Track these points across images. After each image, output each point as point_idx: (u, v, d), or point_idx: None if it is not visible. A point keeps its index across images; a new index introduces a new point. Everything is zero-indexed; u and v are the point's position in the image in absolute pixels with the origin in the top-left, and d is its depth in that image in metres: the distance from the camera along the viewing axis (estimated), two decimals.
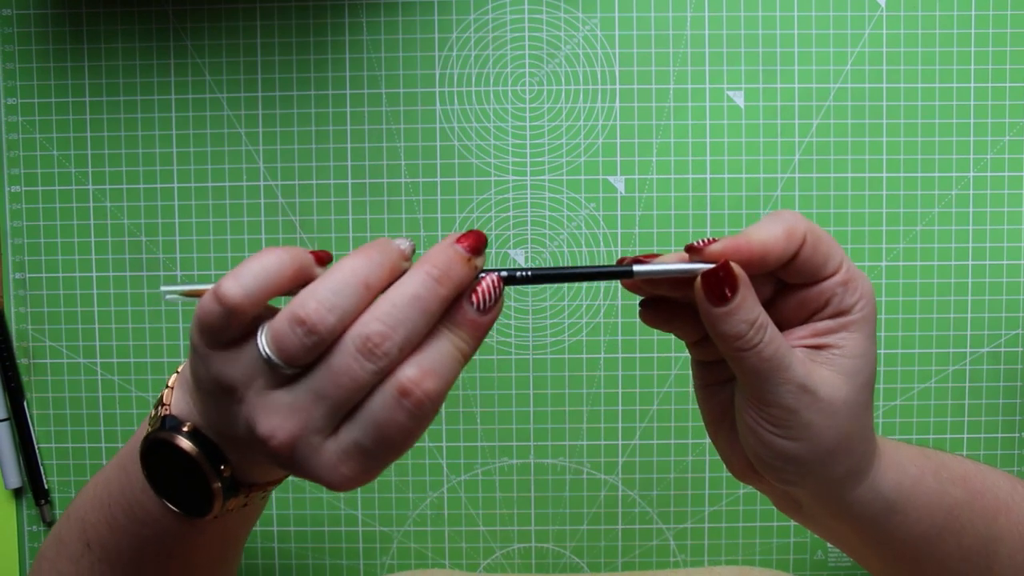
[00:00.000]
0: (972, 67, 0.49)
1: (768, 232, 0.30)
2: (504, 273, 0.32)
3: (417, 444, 0.51)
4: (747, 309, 0.30)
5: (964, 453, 0.50)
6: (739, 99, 0.49)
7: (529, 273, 0.33)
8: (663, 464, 0.51)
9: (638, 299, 0.43)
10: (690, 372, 0.40)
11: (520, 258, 0.50)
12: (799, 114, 0.49)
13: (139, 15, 0.50)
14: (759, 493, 0.51)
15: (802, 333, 0.32)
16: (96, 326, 0.51)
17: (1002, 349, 0.50)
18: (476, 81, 0.50)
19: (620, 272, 0.32)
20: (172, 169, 0.50)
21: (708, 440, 0.51)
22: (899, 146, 0.49)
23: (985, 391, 0.50)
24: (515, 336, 0.51)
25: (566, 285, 0.50)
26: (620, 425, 0.51)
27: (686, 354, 0.51)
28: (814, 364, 0.31)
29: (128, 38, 0.50)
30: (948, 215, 0.50)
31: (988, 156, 0.49)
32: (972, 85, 0.49)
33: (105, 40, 0.50)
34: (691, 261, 0.31)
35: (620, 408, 0.51)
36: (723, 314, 0.30)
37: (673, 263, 0.31)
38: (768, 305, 0.32)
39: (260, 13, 0.50)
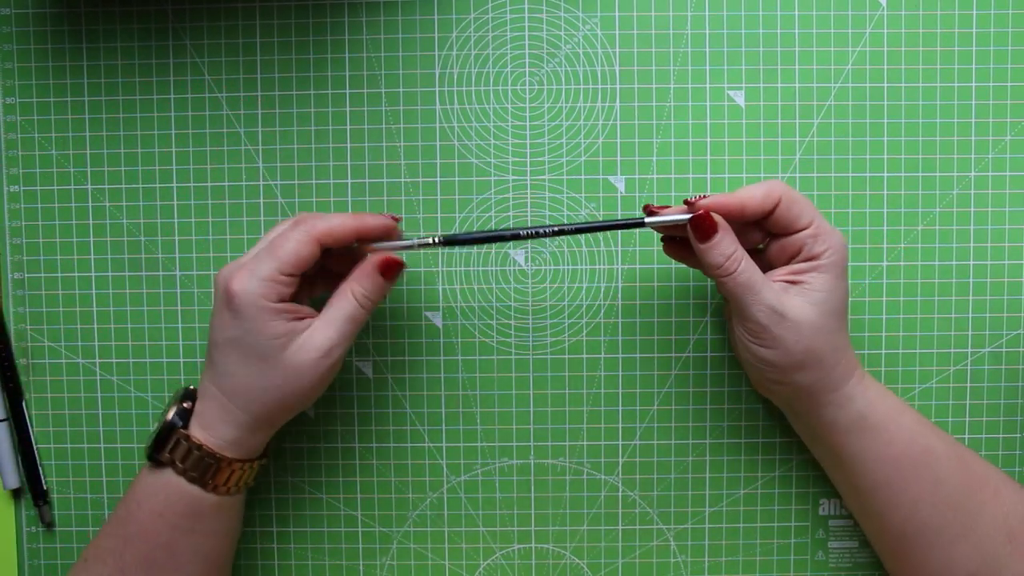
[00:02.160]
0: (974, 66, 0.49)
1: (750, 192, 0.42)
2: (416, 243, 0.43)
3: (417, 444, 0.51)
4: (724, 246, 0.41)
5: None
6: (739, 99, 0.49)
7: (439, 239, 0.43)
8: (663, 464, 0.51)
9: (638, 300, 0.51)
10: (690, 370, 0.51)
11: (520, 258, 0.50)
12: (800, 114, 0.49)
13: (138, 15, 0.50)
14: (760, 495, 0.51)
15: (782, 271, 0.42)
16: (95, 326, 0.51)
17: (1003, 349, 0.50)
18: (476, 81, 0.50)
19: (634, 223, 0.43)
20: (171, 169, 0.50)
21: (709, 440, 0.51)
22: (900, 146, 0.49)
23: (986, 391, 0.50)
24: (515, 336, 0.51)
25: (566, 285, 0.50)
26: (620, 425, 0.51)
27: (686, 354, 0.51)
28: (787, 294, 0.41)
29: (127, 38, 0.50)
30: (949, 215, 0.49)
31: (989, 156, 0.49)
32: (973, 84, 0.49)
33: (104, 40, 0.50)
34: (689, 212, 0.42)
35: (620, 408, 0.51)
36: (706, 249, 0.41)
37: (675, 214, 0.42)
38: (759, 251, 0.44)
39: (260, 13, 0.50)
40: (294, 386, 0.41)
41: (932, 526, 0.42)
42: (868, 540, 0.48)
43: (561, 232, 0.43)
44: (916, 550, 0.43)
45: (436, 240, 0.43)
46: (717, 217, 0.41)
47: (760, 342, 0.42)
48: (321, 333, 0.41)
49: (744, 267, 0.41)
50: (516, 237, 0.43)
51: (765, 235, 0.44)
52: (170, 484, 0.42)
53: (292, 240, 0.41)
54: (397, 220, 0.44)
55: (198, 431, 0.42)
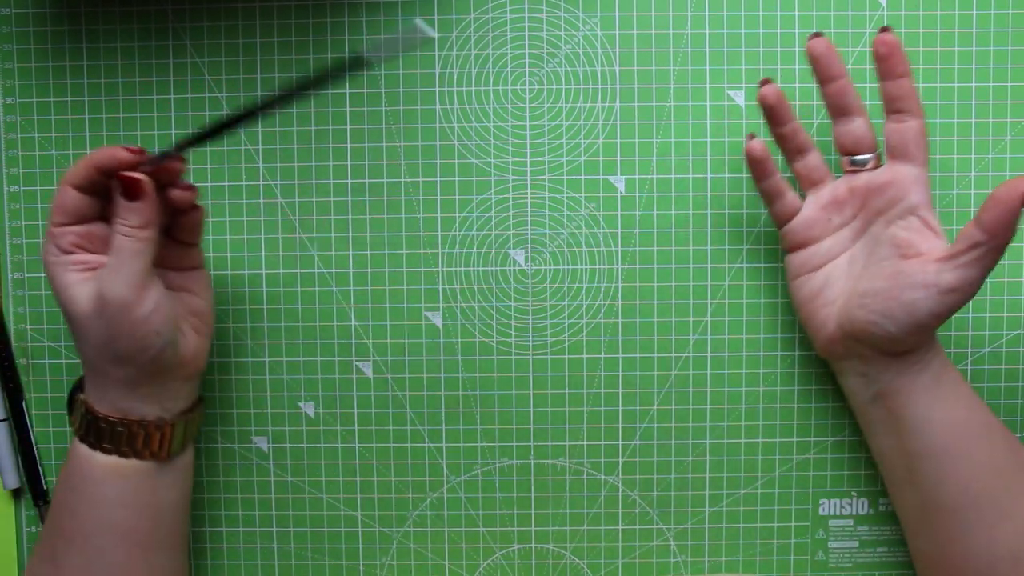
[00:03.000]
0: (973, 66, 0.49)
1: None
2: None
3: (417, 444, 0.51)
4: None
5: None
6: (739, 99, 0.49)
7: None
8: (663, 464, 0.51)
9: (638, 300, 0.50)
10: (690, 370, 0.50)
11: (520, 258, 0.50)
12: (800, 114, 0.49)
13: (138, 14, 0.50)
14: (760, 495, 0.51)
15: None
16: None
17: (1003, 349, 0.50)
18: (476, 81, 0.50)
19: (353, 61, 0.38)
20: None
21: (709, 440, 0.51)
22: None
23: (986, 391, 0.50)
24: (515, 336, 0.51)
25: (566, 285, 0.50)
26: (620, 425, 0.51)
27: (686, 354, 0.51)
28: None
29: (127, 38, 0.50)
30: (949, 215, 0.49)
31: (990, 156, 0.49)
32: (973, 84, 0.49)
33: (104, 40, 0.50)
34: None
35: (620, 408, 0.51)
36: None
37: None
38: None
39: (260, 13, 0.50)
40: (96, 337, 0.40)
41: (984, 500, 0.41)
42: (904, 517, 0.46)
43: (281, 99, 0.39)
44: (962, 524, 0.42)
45: (171, 151, 0.40)
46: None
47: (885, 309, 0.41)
48: (96, 277, 0.40)
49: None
50: (239, 119, 0.39)
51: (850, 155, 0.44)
52: (74, 448, 0.42)
53: (56, 192, 0.41)
54: (139, 151, 0.40)
55: (85, 389, 0.43)
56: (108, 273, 0.40)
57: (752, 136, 0.45)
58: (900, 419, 0.43)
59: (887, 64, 0.42)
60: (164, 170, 0.41)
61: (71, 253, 0.41)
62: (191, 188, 0.42)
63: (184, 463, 0.45)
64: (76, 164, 0.41)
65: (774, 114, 0.45)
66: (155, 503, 0.43)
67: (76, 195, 0.41)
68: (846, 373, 0.46)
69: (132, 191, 0.40)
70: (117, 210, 0.40)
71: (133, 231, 0.40)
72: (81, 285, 0.40)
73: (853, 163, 0.44)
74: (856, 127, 0.43)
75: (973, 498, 0.41)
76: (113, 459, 0.42)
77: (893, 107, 0.42)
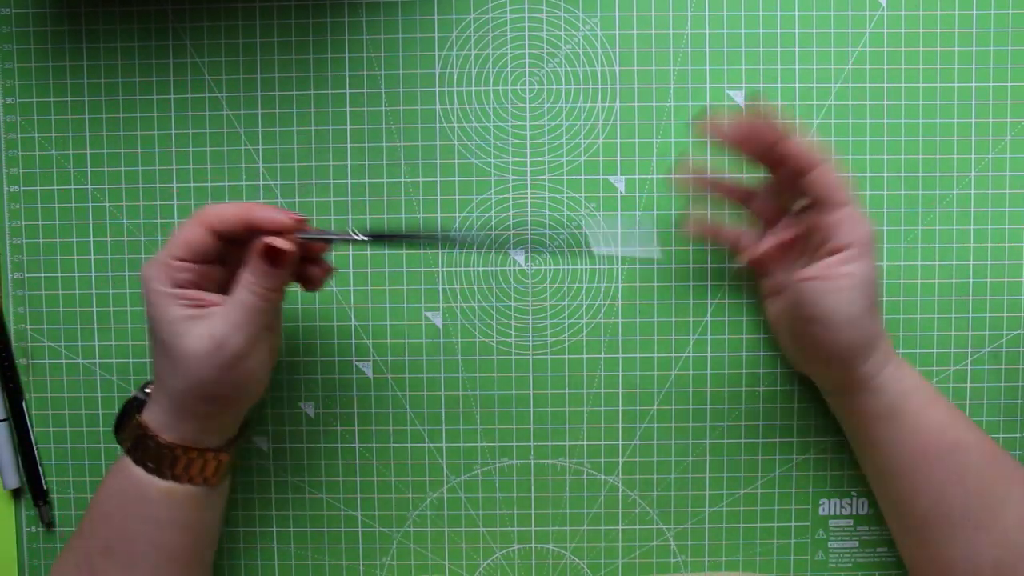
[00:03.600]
0: (974, 66, 0.49)
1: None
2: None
3: (417, 444, 0.51)
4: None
5: None
6: (739, 99, 0.49)
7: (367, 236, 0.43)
8: (663, 464, 0.51)
9: (638, 300, 0.51)
10: (690, 370, 0.51)
11: (520, 258, 0.50)
12: (800, 114, 0.49)
13: (138, 14, 0.50)
14: (760, 495, 0.51)
15: (811, 269, 0.42)
16: (95, 326, 0.51)
17: (1003, 349, 0.50)
18: (476, 81, 0.50)
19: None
20: (171, 169, 0.50)
21: (709, 440, 0.51)
22: (900, 145, 0.49)
23: (986, 391, 0.50)
24: (515, 336, 0.51)
25: (566, 285, 0.50)
26: (620, 425, 0.51)
27: (686, 354, 0.51)
28: (819, 294, 0.42)
29: (127, 38, 0.50)
30: (949, 215, 0.49)
31: (990, 156, 0.49)
32: (974, 84, 0.49)
33: (104, 40, 0.50)
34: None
35: (620, 408, 0.51)
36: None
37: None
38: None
39: (260, 12, 0.50)
40: (196, 375, 0.40)
41: (955, 514, 0.42)
42: (889, 527, 0.47)
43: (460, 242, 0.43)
44: (939, 537, 0.43)
45: (361, 237, 0.42)
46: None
47: (798, 340, 0.44)
48: (213, 322, 0.40)
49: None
50: (437, 240, 0.43)
51: (796, 197, 0.45)
52: (126, 467, 0.42)
53: (184, 227, 0.40)
54: (300, 220, 0.41)
55: (145, 413, 0.42)
56: (229, 325, 0.40)
57: (690, 218, 0.47)
58: (866, 441, 0.45)
59: (762, 137, 0.43)
60: (311, 247, 0.42)
61: (181, 287, 0.40)
62: (329, 270, 0.44)
63: (225, 485, 0.46)
64: (222, 210, 0.40)
65: (712, 185, 0.47)
66: (201, 523, 0.44)
67: (208, 238, 0.40)
68: (822, 392, 0.49)
69: (276, 259, 0.40)
70: (251, 269, 0.40)
71: (263, 292, 0.40)
72: (191, 323, 0.40)
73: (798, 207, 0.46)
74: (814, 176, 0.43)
75: (945, 513, 0.42)
76: (168, 483, 0.41)
77: (797, 166, 0.43)
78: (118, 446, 0.43)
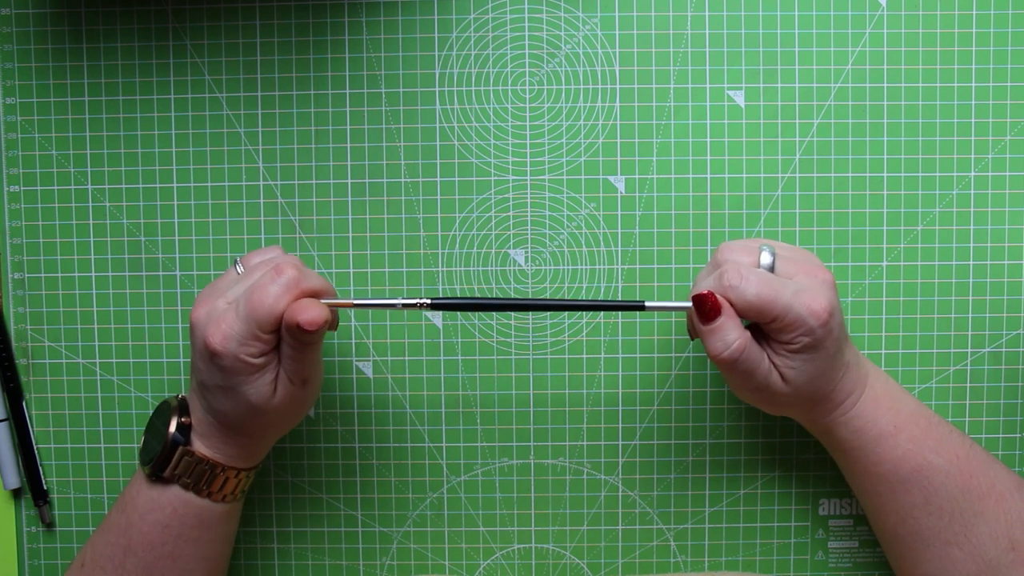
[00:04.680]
0: (973, 66, 0.49)
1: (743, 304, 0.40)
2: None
3: (417, 444, 0.51)
4: (727, 331, 0.40)
5: None
6: (739, 99, 0.49)
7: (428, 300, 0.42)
8: (663, 464, 0.51)
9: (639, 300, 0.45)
10: (690, 370, 0.51)
11: (520, 258, 0.50)
12: (799, 114, 0.49)
13: (138, 14, 0.50)
14: (760, 495, 0.51)
15: (767, 349, 0.42)
16: (95, 326, 0.51)
17: (1003, 349, 0.50)
18: (476, 81, 0.50)
19: (633, 306, 0.42)
20: (171, 169, 0.50)
21: (709, 440, 0.51)
22: (900, 146, 0.49)
23: (986, 391, 0.50)
24: (515, 336, 0.51)
25: (566, 285, 0.50)
26: (620, 425, 0.51)
27: (686, 354, 0.51)
28: (773, 375, 0.41)
29: (127, 37, 0.50)
30: (949, 215, 0.49)
31: (989, 156, 0.49)
32: (973, 84, 0.49)
33: (104, 40, 0.50)
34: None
35: (620, 408, 0.51)
36: (707, 331, 0.41)
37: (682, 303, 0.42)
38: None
39: (260, 12, 0.50)
40: (288, 418, 0.43)
41: (924, 532, 0.42)
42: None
43: (557, 308, 0.44)
44: (911, 552, 0.43)
45: (422, 304, 0.42)
46: (722, 300, 0.40)
47: (757, 397, 0.43)
48: (282, 379, 0.41)
49: (745, 356, 0.40)
50: (513, 308, 0.43)
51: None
52: (177, 498, 0.42)
53: (271, 296, 0.39)
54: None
55: (202, 447, 0.42)
56: (285, 379, 0.41)
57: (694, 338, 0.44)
58: (835, 460, 0.46)
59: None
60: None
61: (265, 354, 0.40)
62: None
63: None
64: (312, 287, 0.41)
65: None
66: (228, 535, 0.45)
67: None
68: None
69: (302, 332, 0.39)
70: (285, 333, 0.40)
71: (295, 353, 0.41)
72: (265, 378, 0.41)
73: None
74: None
75: (913, 531, 0.43)
76: (206, 501, 0.42)
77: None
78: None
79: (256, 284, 0.40)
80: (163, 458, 0.42)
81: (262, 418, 0.41)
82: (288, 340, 0.40)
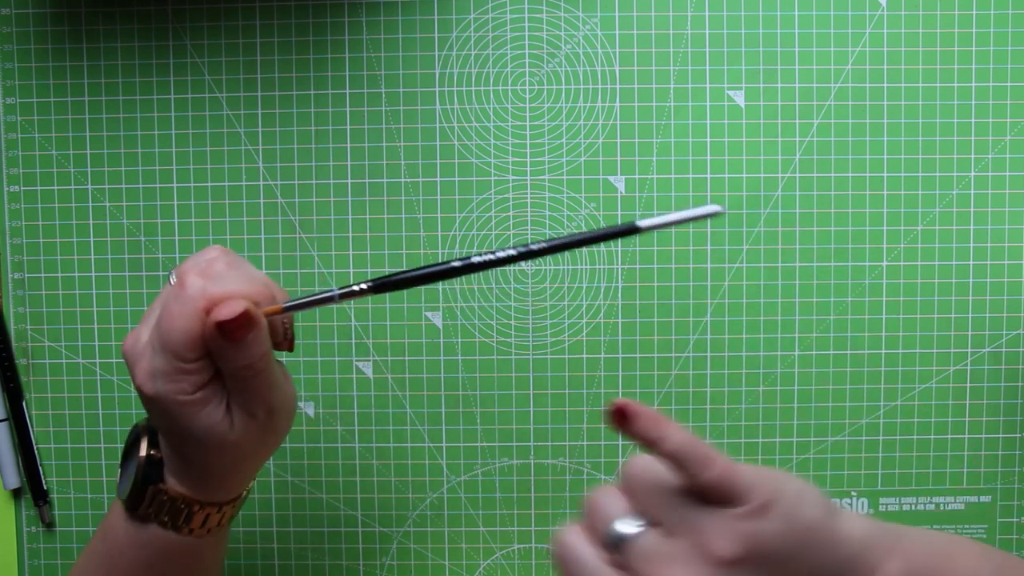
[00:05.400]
0: (973, 66, 0.49)
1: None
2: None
3: (417, 444, 0.51)
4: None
5: (966, 454, 0.50)
6: (739, 99, 0.49)
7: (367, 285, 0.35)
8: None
9: (638, 300, 0.49)
10: (690, 370, 0.49)
11: None
12: (800, 114, 0.49)
13: (138, 14, 0.50)
14: None
15: None
16: (95, 326, 0.51)
17: (1003, 349, 0.50)
18: (476, 81, 0.50)
19: (626, 230, 0.34)
20: (171, 169, 0.50)
21: (708, 441, 0.51)
22: (900, 146, 0.49)
23: (986, 391, 0.50)
24: (515, 336, 0.51)
25: (566, 285, 0.50)
26: None
27: (686, 354, 0.51)
28: None
29: (127, 37, 0.50)
30: (949, 215, 0.49)
31: (989, 156, 0.49)
32: (973, 84, 0.49)
33: (104, 39, 0.50)
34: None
35: None
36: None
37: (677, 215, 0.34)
38: None
39: (259, 12, 0.50)
40: (259, 450, 0.38)
41: None
42: None
43: (521, 257, 0.35)
44: None
45: (362, 288, 0.35)
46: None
47: None
48: (237, 412, 0.36)
49: None
50: (452, 273, 0.35)
51: None
52: (158, 537, 0.38)
53: (177, 318, 0.33)
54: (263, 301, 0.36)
55: (176, 484, 0.37)
56: (233, 410, 0.36)
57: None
58: None
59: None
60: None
61: (202, 387, 0.35)
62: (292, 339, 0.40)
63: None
64: (221, 293, 0.34)
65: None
66: (218, 558, 0.42)
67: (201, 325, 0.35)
68: None
69: (229, 332, 0.34)
70: (212, 346, 0.34)
71: (233, 369, 0.35)
72: (226, 417, 0.36)
73: None
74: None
75: None
76: (188, 537, 0.38)
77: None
78: (120, 453, 0.40)
79: (163, 307, 0.34)
80: (134, 495, 0.37)
81: (225, 456, 0.36)
82: (224, 362, 0.34)
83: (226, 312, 0.33)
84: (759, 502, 0.29)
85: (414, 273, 0.35)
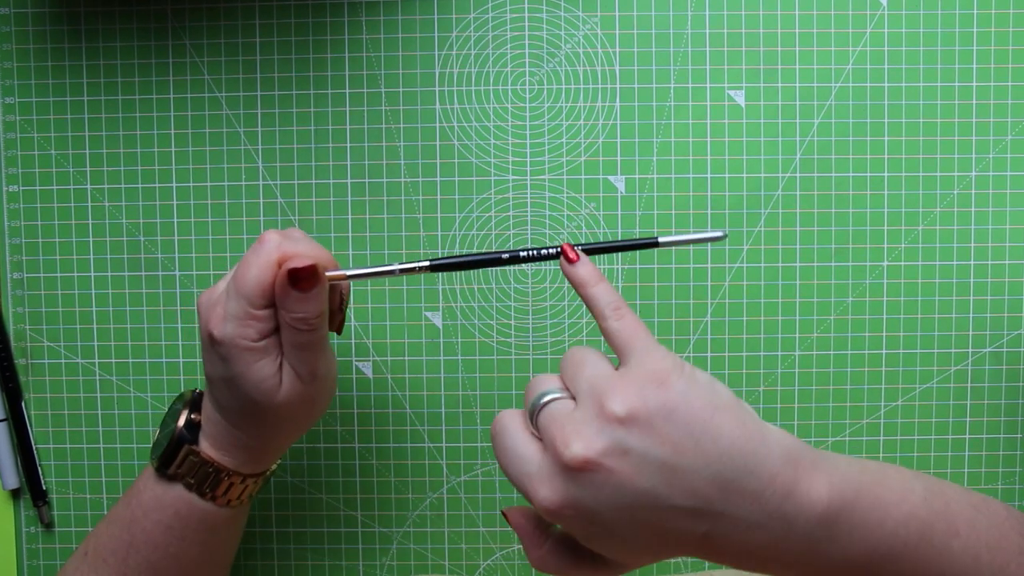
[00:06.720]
0: (974, 66, 0.49)
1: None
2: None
3: (417, 444, 0.51)
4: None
5: (966, 455, 0.50)
6: (740, 99, 0.49)
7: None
8: None
9: (638, 300, 0.47)
10: None
11: None
12: (800, 113, 0.49)
13: (138, 14, 0.50)
14: None
15: None
16: (95, 326, 0.51)
17: (1004, 349, 0.50)
18: (476, 80, 0.50)
19: (647, 243, 0.38)
20: (171, 169, 0.50)
21: None
22: (900, 145, 0.49)
23: (987, 391, 0.50)
24: (515, 336, 0.51)
25: (566, 285, 0.50)
26: None
27: (686, 354, 0.51)
28: None
29: (127, 37, 0.50)
30: (950, 215, 0.49)
31: (990, 155, 0.49)
32: (974, 84, 0.49)
33: (104, 39, 0.50)
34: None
35: None
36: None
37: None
38: None
39: (259, 12, 0.50)
40: (299, 419, 0.41)
41: None
42: None
43: (559, 255, 0.38)
44: None
45: (421, 267, 0.39)
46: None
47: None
48: (287, 372, 0.39)
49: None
50: (505, 262, 0.39)
51: None
52: (181, 499, 0.41)
53: (253, 267, 0.37)
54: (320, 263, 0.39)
55: (209, 448, 0.41)
56: (289, 369, 0.39)
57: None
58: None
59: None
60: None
61: (266, 337, 0.38)
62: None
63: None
64: (296, 251, 0.38)
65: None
66: (234, 538, 0.45)
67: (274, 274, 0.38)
68: None
69: (299, 281, 0.37)
70: (279, 299, 0.38)
71: (299, 322, 0.38)
72: (277, 374, 0.39)
73: None
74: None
75: None
76: (210, 504, 0.41)
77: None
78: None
79: (242, 258, 0.39)
80: (168, 454, 0.41)
81: (268, 416, 0.39)
82: (286, 311, 0.37)
83: (297, 262, 0.37)
84: (658, 369, 0.32)
85: (467, 258, 0.39)
